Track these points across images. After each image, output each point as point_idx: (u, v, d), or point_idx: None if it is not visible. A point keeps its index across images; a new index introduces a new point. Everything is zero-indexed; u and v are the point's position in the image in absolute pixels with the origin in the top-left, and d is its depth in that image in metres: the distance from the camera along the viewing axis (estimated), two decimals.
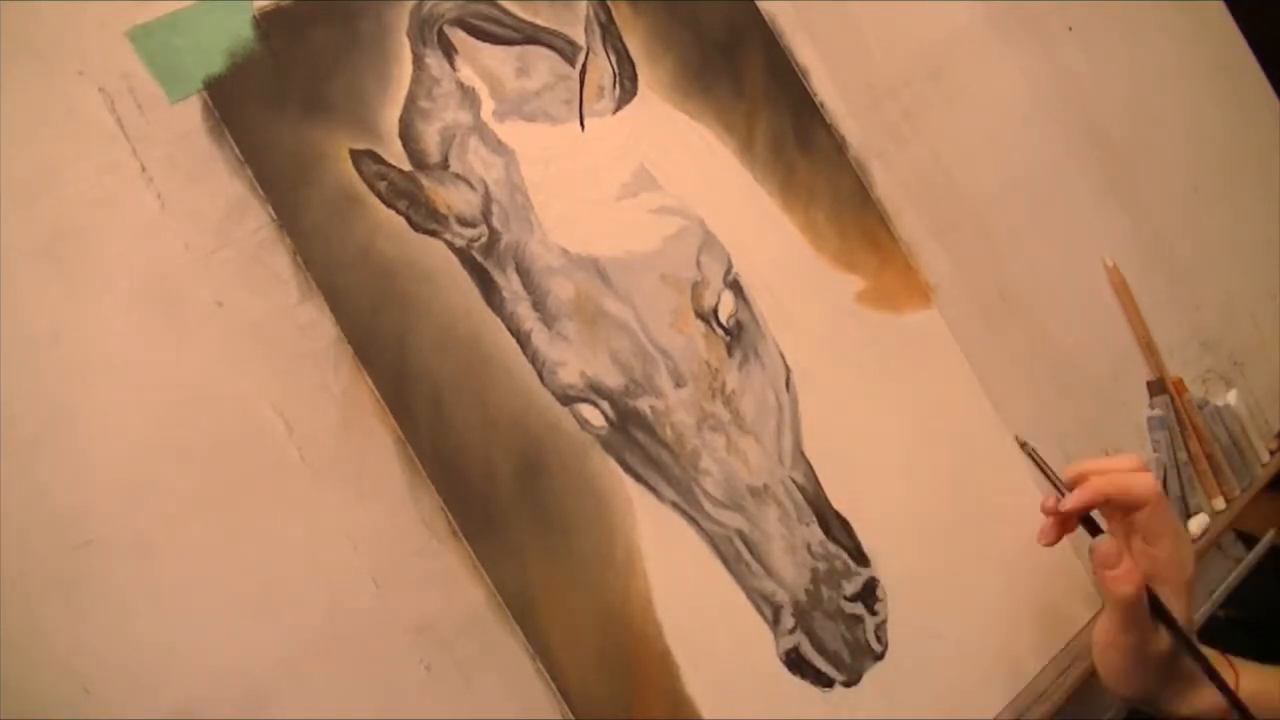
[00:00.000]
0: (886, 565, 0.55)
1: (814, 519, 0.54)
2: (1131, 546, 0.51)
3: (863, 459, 0.56)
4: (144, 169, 0.44)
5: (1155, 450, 0.65)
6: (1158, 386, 0.66)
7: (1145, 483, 0.51)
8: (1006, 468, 0.60)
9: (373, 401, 0.47)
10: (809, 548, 0.53)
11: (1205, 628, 0.65)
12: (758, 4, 0.58)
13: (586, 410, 0.50)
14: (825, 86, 0.59)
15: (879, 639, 0.54)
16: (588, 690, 0.48)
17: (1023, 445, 0.54)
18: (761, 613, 0.52)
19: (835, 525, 0.54)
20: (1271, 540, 0.68)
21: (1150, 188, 0.70)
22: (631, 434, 0.51)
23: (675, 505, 0.51)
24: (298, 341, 0.46)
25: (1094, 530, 0.52)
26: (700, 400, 0.52)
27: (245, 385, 0.45)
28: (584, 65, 0.53)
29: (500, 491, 0.48)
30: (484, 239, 0.50)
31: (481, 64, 0.51)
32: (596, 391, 0.51)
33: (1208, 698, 0.51)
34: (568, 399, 0.50)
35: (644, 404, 0.51)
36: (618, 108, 0.54)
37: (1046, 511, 0.52)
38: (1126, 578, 0.49)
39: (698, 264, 0.54)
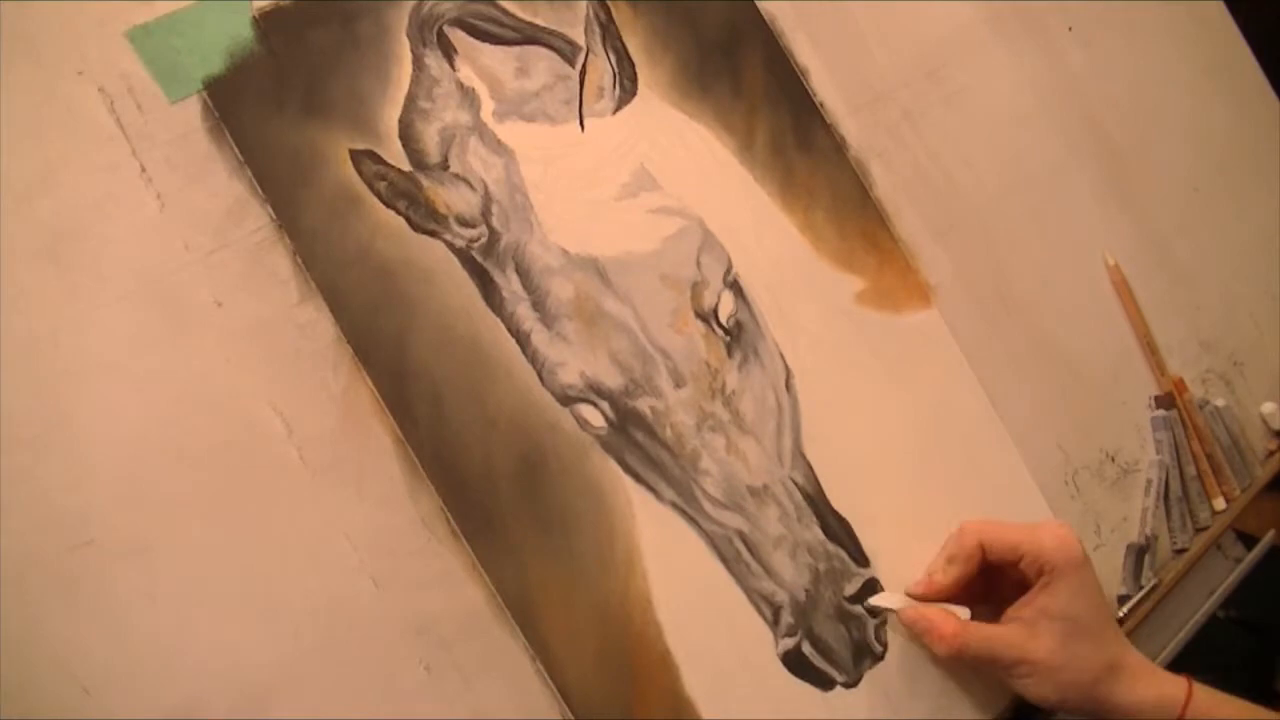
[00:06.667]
0: (886, 566, 0.55)
1: (814, 519, 0.54)
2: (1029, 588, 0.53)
3: (863, 459, 0.56)
4: (144, 169, 0.44)
5: (1157, 451, 0.65)
6: (1166, 401, 0.65)
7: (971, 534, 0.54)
8: (1006, 468, 0.60)
9: (372, 401, 0.47)
10: (809, 548, 0.53)
11: (1205, 628, 0.65)
12: (758, 4, 0.58)
13: (586, 410, 0.50)
14: (825, 86, 0.59)
15: (879, 640, 0.54)
16: (588, 690, 0.48)
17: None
18: (761, 613, 0.52)
19: (835, 525, 0.54)
20: (1271, 540, 0.68)
21: (1150, 188, 0.70)
22: (631, 434, 0.51)
23: (675, 505, 0.51)
24: (297, 341, 0.46)
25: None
26: (700, 400, 0.52)
27: (245, 385, 0.45)
28: (584, 65, 0.53)
29: (500, 492, 0.48)
30: (484, 239, 0.50)
31: (481, 64, 0.51)
32: (596, 392, 0.51)
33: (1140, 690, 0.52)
34: (567, 399, 0.50)
35: (644, 404, 0.51)
36: (617, 108, 0.54)
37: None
38: (942, 642, 0.52)
39: (697, 264, 0.54)
